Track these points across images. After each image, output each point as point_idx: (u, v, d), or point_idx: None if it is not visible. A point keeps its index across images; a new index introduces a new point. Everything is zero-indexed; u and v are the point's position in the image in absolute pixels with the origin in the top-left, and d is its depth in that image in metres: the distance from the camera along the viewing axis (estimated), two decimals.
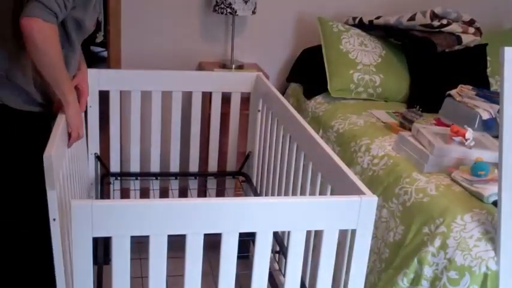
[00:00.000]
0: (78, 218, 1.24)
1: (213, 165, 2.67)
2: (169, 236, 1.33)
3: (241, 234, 1.38)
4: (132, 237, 1.31)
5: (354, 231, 1.43)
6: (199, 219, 1.32)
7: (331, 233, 1.43)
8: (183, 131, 2.60)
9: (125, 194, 2.66)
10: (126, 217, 1.27)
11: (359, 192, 1.45)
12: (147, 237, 1.32)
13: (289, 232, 1.42)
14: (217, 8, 2.94)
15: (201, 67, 3.18)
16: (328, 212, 1.40)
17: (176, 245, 1.41)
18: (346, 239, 1.51)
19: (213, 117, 2.60)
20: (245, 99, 2.62)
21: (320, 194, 1.83)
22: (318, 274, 1.48)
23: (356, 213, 1.40)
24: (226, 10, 2.92)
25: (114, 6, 3.03)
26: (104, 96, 2.46)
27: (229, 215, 1.33)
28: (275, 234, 2.19)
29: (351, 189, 1.50)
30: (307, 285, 1.90)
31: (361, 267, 1.46)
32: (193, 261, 1.37)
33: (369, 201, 1.40)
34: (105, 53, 5.89)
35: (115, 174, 2.56)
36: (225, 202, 1.33)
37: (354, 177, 1.53)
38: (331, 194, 1.71)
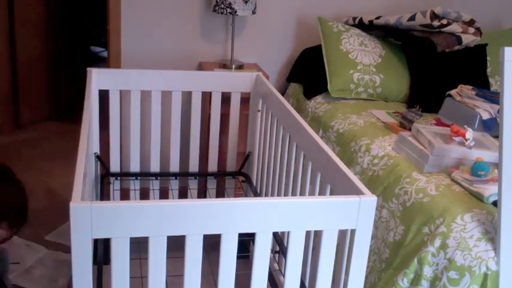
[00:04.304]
0: (78, 220, 1.24)
1: (213, 165, 2.67)
2: (169, 236, 1.33)
3: (241, 234, 1.38)
4: (131, 237, 1.31)
5: (353, 231, 1.43)
6: (199, 220, 1.32)
7: (331, 233, 1.43)
8: (182, 131, 2.60)
9: (124, 194, 2.66)
10: (126, 218, 1.27)
11: (358, 192, 1.45)
12: (147, 238, 1.32)
13: (288, 232, 1.42)
14: (217, 8, 2.94)
15: (201, 67, 3.18)
16: (327, 212, 1.40)
17: (176, 245, 1.41)
18: (345, 239, 1.51)
19: (213, 117, 2.60)
20: (245, 99, 2.62)
21: (319, 194, 1.83)
22: (318, 274, 1.48)
23: (355, 213, 1.40)
24: (226, 10, 2.92)
25: (114, 6, 3.03)
26: (103, 96, 2.46)
27: (228, 215, 1.33)
28: (275, 234, 2.19)
29: (350, 189, 1.50)
30: (307, 285, 1.90)
31: (360, 267, 1.46)
32: (193, 262, 1.37)
33: (368, 201, 1.40)
34: (105, 53, 5.90)
35: (115, 174, 2.56)
36: (224, 203, 1.33)
37: (354, 177, 1.53)
38: (331, 194, 1.70)
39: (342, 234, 1.50)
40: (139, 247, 1.46)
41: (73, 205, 1.24)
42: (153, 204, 1.28)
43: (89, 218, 1.25)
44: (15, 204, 1.97)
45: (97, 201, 1.27)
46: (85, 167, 1.59)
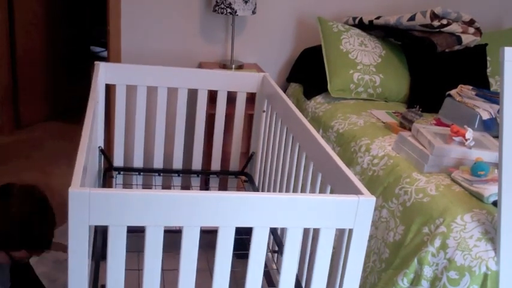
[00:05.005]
0: (76, 206, 1.24)
1: (216, 165, 2.67)
2: (169, 233, 1.33)
3: (241, 233, 1.38)
4: (130, 228, 1.31)
5: (351, 231, 1.43)
6: (196, 212, 1.32)
7: (328, 232, 1.43)
8: (187, 129, 2.60)
9: (127, 188, 2.66)
10: (123, 207, 1.27)
11: (357, 192, 1.45)
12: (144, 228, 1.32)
13: (286, 229, 1.42)
14: (217, 8, 2.94)
15: (201, 67, 3.18)
16: (325, 211, 1.40)
17: (176, 245, 1.41)
18: (343, 238, 1.50)
19: (217, 116, 2.60)
20: (249, 100, 2.62)
21: (320, 193, 1.83)
22: (313, 272, 1.48)
23: (353, 212, 1.40)
24: (226, 10, 2.92)
25: (114, 6, 3.04)
26: (109, 90, 2.46)
27: (226, 208, 1.33)
28: (274, 233, 2.19)
29: (349, 189, 1.50)
30: (303, 285, 1.90)
31: (357, 267, 1.45)
32: (189, 254, 1.37)
33: (367, 201, 1.40)
34: (105, 53, 5.91)
35: (118, 169, 2.56)
36: (222, 196, 1.33)
37: (353, 177, 1.52)
38: (330, 193, 1.70)
39: (340, 234, 1.50)
40: (137, 240, 1.46)
41: (72, 191, 1.24)
42: (151, 194, 1.29)
43: (87, 205, 1.25)
44: (40, 232, 1.92)
45: (96, 188, 1.27)
46: (86, 159, 1.59)
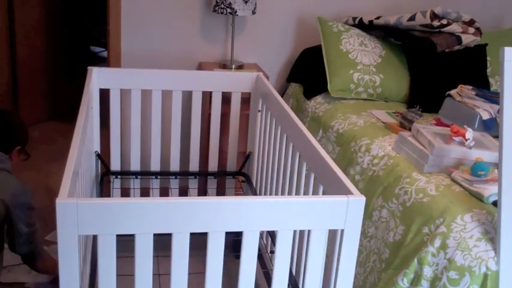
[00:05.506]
0: (63, 216, 1.25)
1: (213, 165, 2.67)
2: (163, 235, 1.33)
3: (239, 234, 1.38)
4: (120, 234, 1.32)
5: (342, 231, 1.43)
6: (185, 218, 1.31)
7: (319, 233, 1.43)
8: (183, 131, 2.60)
9: (125, 192, 2.66)
10: (111, 216, 1.28)
11: (347, 192, 1.44)
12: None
13: (276, 232, 1.42)
14: (217, 8, 2.94)
15: (201, 67, 3.18)
16: (315, 212, 1.39)
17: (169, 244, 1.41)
18: (335, 239, 1.50)
19: (213, 117, 2.60)
20: (245, 99, 2.62)
21: (313, 194, 1.83)
22: (307, 273, 1.47)
23: (343, 213, 1.39)
24: (226, 10, 2.92)
25: (114, 6, 3.03)
26: (104, 95, 2.46)
27: (214, 214, 1.33)
28: (272, 234, 2.19)
29: (339, 189, 1.49)
30: (300, 285, 1.90)
31: (349, 267, 1.45)
32: (180, 260, 1.37)
33: (356, 201, 1.39)
34: (105, 53, 5.90)
35: (115, 173, 2.56)
36: (210, 201, 1.32)
37: (344, 177, 1.51)
38: (323, 194, 1.70)
39: (333, 234, 1.50)
40: (131, 245, 1.46)
41: (59, 201, 1.24)
42: (138, 202, 1.28)
43: (75, 215, 1.25)
44: (24, 133, 2.38)
45: (83, 198, 1.27)
46: (77, 166, 1.58)
